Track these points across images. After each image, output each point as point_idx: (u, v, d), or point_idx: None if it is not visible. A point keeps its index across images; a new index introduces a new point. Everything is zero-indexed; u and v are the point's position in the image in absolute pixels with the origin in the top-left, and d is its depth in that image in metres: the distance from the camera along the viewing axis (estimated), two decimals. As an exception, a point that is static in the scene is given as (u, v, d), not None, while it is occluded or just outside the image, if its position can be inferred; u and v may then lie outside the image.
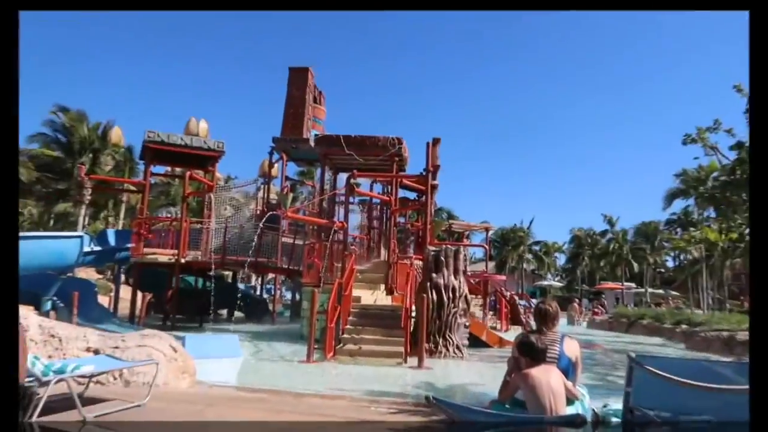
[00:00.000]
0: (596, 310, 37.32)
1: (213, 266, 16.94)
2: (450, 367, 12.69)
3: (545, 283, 55.62)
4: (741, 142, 17.20)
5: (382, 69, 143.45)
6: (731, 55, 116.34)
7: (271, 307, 22.86)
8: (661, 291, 48.49)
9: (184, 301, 17.93)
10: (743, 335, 17.04)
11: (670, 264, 61.11)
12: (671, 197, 28.50)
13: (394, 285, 16.52)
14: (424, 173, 18.28)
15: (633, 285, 50.90)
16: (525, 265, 59.38)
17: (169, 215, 21.68)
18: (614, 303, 44.86)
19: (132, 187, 25.48)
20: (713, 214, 24.87)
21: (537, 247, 63.54)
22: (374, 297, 16.34)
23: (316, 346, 12.04)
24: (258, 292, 26.97)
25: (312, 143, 18.32)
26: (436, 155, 20.57)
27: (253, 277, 28.89)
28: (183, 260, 17.28)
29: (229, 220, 18.62)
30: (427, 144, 18.27)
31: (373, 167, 18.78)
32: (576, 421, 3.00)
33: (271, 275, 27.51)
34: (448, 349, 13.74)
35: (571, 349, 4.22)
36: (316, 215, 19.15)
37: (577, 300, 41.08)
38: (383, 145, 17.92)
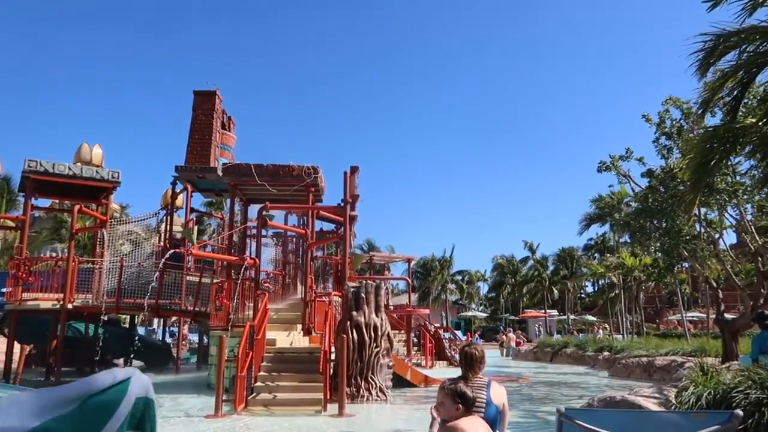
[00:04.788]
0: (519, 340, 37.59)
1: (105, 310, 15.14)
2: (373, 412, 12.06)
3: (469, 314, 55.77)
4: (651, 170, 17.57)
5: (300, 95, 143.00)
6: (645, 82, 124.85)
7: (174, 352, 20.94)
8: (588, 317, 49.69)
9: (71, 351, 15.91)
10: (661, 360, 17.38)
11: (589, 289, 63.12)
12: (588, 223, 29.20)
13: (312, 325, 15.44)
14: (342, 204, 17.41)
15: (555, 312, 51.92)
16: (448, 296, 59.38)
17: (54, 254, 19.38)
18: (536, 331, 45.50)
19: (10, 223, 22.37)
20: (628, 240, 25.49)
21: (460, 277, 63.86)
22: (290, 339, 15.19)
23: (225, 398, 11.03)
24: (160, 337, 24.88)
25: (220, 172, 17.06)
26: (355, 184, 19.82)
27: (155, 321, 26.67)
28: (70, 305, 15.36)
29: (126, 257, 16.83)
30: (345, 173, 17.49)
31: (288, 198, 17.81)
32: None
33: (174, 318, 25.52)
34: (371, 393, 12.90)
35: (499, 396, 3.85)
36: (225, 251, 17.78)
37: (510, 329, 41.41)
38: (298, 174, 16.99)
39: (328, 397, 11.57)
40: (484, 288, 69.21)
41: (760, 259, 14.84)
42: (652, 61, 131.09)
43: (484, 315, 61.31)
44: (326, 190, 18.83)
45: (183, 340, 24.17)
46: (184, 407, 11.78)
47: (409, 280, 30.67)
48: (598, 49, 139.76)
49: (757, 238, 15.47)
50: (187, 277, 16.67)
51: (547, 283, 55.34)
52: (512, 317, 57.16)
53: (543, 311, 51.00)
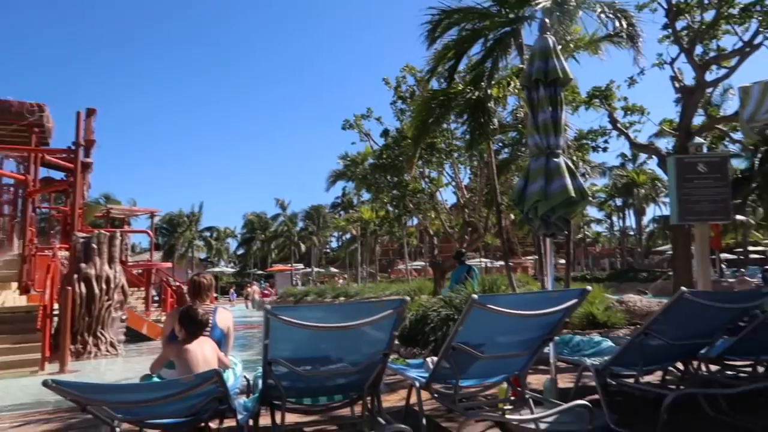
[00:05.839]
0: (266, 292, 38.66)
1: None
2: (102, 366, 11.49)
3: (217, 269, 55.14)
4: (387, 130, 19.30)
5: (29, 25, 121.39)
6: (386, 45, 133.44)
7: None
8: (331, 269, 52.85)
9: None
10: (386, 299, 19.54)
11: (334, 244, 67.27)
12: (335, 179, 30.91)
13: (32, 282, 13.77)
14: (73, 147, 15.65)
15: (301, 266, 54.24)
16: (195, 252, 57.85)
17: None
18: (292, 283, 47.31)
19: None
20: (369, 196, 27.69)
21: (209, 233, 62.60)
22: (2, 299, 13.35)
23: None
24: None
25: None
26: (91, 129, 17.93)
27: None
28: None
29: None
30: (78, 113, 15.76)
31: (5, 139, 15.41)
32: (211, 377, 2.81)
33: None
34: (99, 348, 12.21)
35: (224, 320, 4.21)
36: None
37: (255, 283, 42.27)
38: (18, 111, 14.76)
39: (48, 355, 10.64)
40: (234, 244, 68.97)
41: (466, 210, 17.60)
42: (400, 26, 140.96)
43: (233, 271, 61.26)
44: (55, 133, 16.74)
45: None
46: None
47: (152, 234, 28.97)
48: (353, 12, 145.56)
49: (465, 193, 18.29)
50: None
51: (296, 238, 57.49)
52: (260, 272, 58.19)
53: (290, 265, 52.88)
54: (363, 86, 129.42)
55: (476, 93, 10.85)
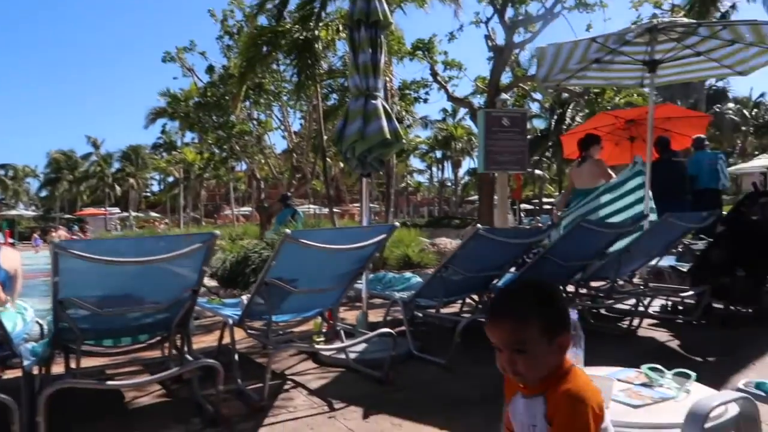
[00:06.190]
0: (74, 236, 35.41)
1: None
2: None
3: (14, 212, 49.05)
4: (212, 66, 18.22)
5: None
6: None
7: None
8: (152, 214, 49.61)
9: None
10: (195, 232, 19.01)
11: (156, 188, 63.13)
12: (155, 117, 28.65)
13: None
14: None
15: (117, 210, 50.30)
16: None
17: None
18: (113, 228, 43.78)
19: None
20: (196, 138, 26.19)
21: (2, 172, 55.19)
22: None
23: None
24: None
25: None
26: None
27: None
28: None
29: None
30: None
31: None
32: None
33: None
34: None
35: (9, 261, 3.82)
36: None
37: (61, 227, 38.69)
38: None
39: None
40: (35, 185, 61.66)
41: (294, 155, 17.49)
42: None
43: (34, 214, 54.95)
44: None
45: None
46: None
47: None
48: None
49: (294, 138, 18.12)
50: None
51: (111, 180, 53.06)
52: (68, 216, 52.96)
53: (104, 209, 48.77)
54: (188, 18, 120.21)
55: (304, 33, 10.65)
